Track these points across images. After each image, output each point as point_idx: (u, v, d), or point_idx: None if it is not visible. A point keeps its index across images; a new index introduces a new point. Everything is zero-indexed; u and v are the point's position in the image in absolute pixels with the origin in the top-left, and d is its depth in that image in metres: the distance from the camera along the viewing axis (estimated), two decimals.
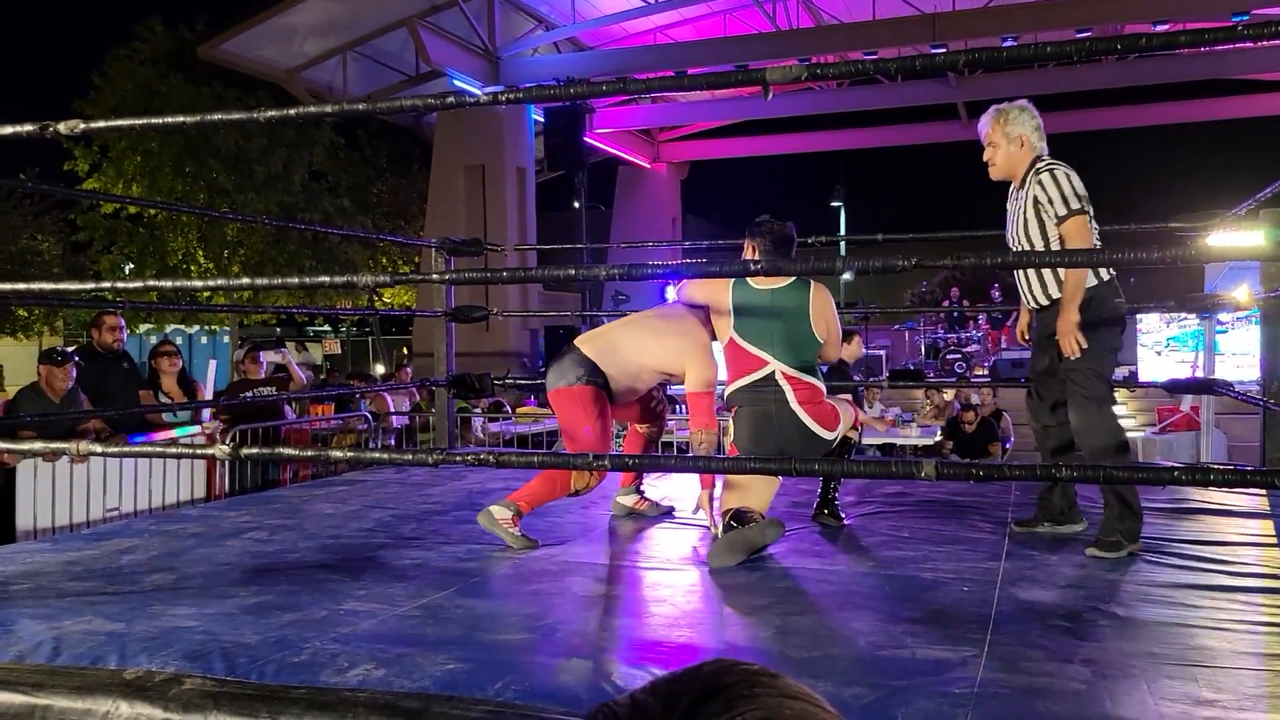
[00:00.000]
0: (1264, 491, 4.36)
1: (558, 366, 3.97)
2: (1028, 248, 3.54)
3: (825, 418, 3.75)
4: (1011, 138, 3.58)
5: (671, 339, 3.91)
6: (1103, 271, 3.49)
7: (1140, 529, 3.39)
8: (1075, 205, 3.41)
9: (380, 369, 13.08)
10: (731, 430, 3.83)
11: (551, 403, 4.00)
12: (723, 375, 3.95)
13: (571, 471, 3.73)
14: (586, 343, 4.00)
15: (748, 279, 3.78)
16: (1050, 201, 3.44)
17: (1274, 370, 4.60)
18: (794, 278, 3.76)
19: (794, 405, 3.70)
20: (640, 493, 4.29)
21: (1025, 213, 3.54)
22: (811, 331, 3.76)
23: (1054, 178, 3.45)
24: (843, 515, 4.00)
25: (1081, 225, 3.42)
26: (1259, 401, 4.53)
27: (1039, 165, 3.53)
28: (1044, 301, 3.63)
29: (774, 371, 3.72)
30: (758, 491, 3.59)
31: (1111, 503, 3.38)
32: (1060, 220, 3.42)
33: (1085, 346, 3.39)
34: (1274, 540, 3.65)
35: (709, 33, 16.70)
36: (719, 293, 3.81)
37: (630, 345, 3.95)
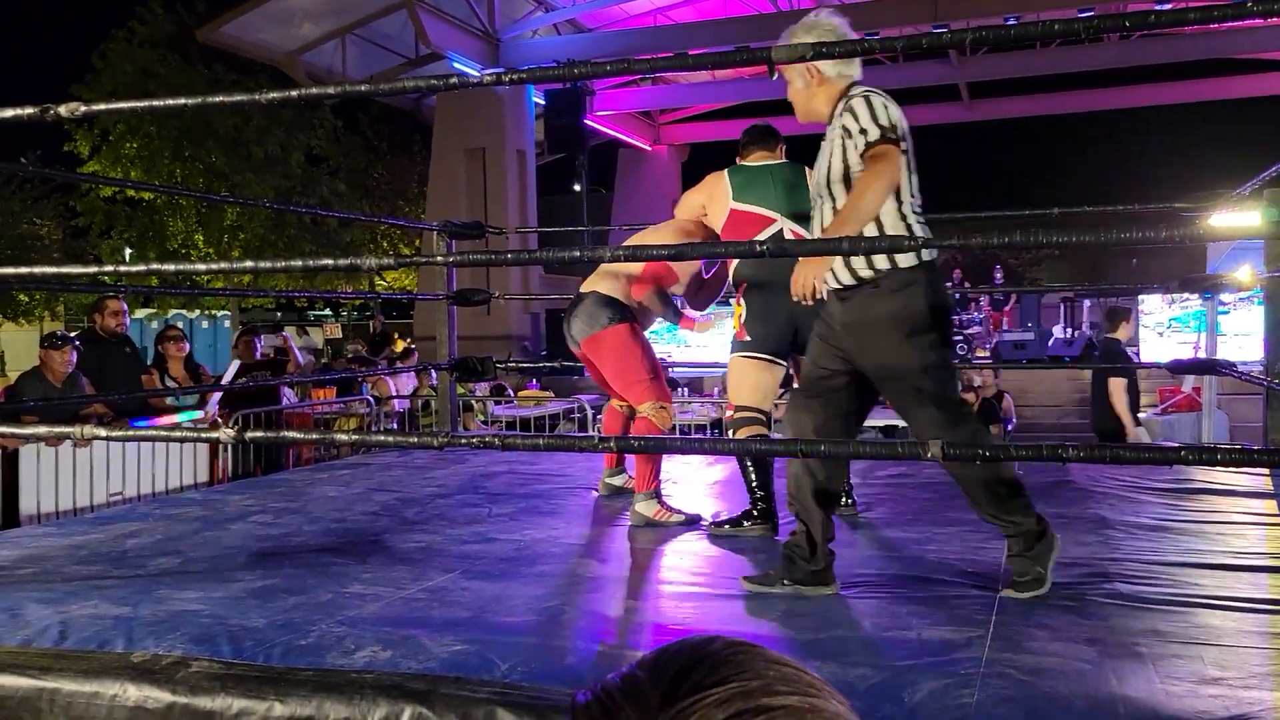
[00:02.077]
0: (1267, 471, 4.35)
1: (582, 315, 3.91)
2: (832, 198, 2.81)
3: None
4: (800, 69, 2.87)
5: (663, 230, 4.05)
6: (925, 252, 2.70)
7: (1053, 554, 2.73)
8: (887, 128, 2.69)
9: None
10: (742, 310, 3.69)
11: (588, 353, 3.95)
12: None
13: (657, 424, 3.80)
14: (596, 283, 3.98)
15: (741, 161, 3.86)
16: (862, 131, 2.70)
17: (1277, 350, 4.59)
18: (786, 159, 3.88)
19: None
20: (627, 472, 4.30)
21: (831, 153, 2.81)
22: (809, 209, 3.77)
23: (868, 103, 2.73)
24: (853, 500, 3.90)
25: (892, 153, 2.65)
26: (1262, 381, 4.52)
27: (852, 92, 2.81)
28: (847, 280, 2.77)
29: (782, 229, 3.67)
30: (761, 389, 3.64)
31: (1013, 538, 2.75)
32: (867, 148, 2.68)
33: (917, 353, 2.68)
34: (1277, 519, 3.65)
35: (710, 14, 16.62)
36: (714, 185, 3.83)
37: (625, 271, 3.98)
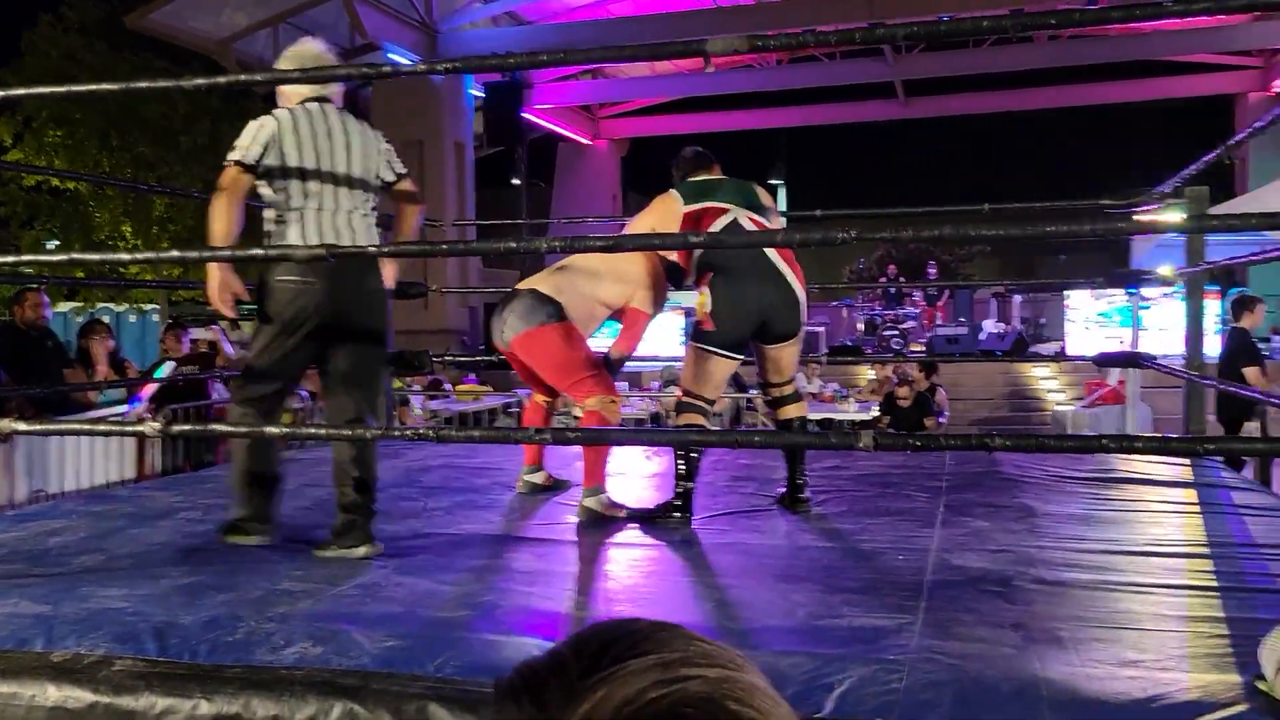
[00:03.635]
0: (1187, 460, 4.49)
1: (516, 310, 3.81)
2: None
3: (800, 278, 3.66)
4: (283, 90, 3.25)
5: (627, 265, 3.89)
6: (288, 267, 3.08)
7: (354, 552, 3.08)
8: (234, 153, 3.07)
9: None
10: (707, 302, 3.61)
11: (520, 351, 3.85)
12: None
13: (608, 417, 3.76)
14: (539, 283, 3.90)
15: (691, 179, 3.84)
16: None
17: (1196, 344, 4.73)
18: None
19: (771, 253, 3.58)
20: (546, 470, 4.29)
21: None
22: (764, 205, 3.74)
23: (249, 125, 3.11)
24: (808, 498, 3.79)
25: (224, 177, 3.06)
26: (1182, 374, 4.66)
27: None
28: None
29: (736, 218, 3.64)
30: (712, 381, 3.66)
31: (344, 498, 3.15)
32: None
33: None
34: (1196, 507, 3.76)
35: (649, 8, 16.63)
36: (663, 206, 3.77)
37: (584, 278, 3.89)
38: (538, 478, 4.24)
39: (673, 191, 3.82)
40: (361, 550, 3.09)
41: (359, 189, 3.19)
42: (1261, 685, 1.92)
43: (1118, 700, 1.91)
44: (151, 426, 2.51)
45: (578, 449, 3.89)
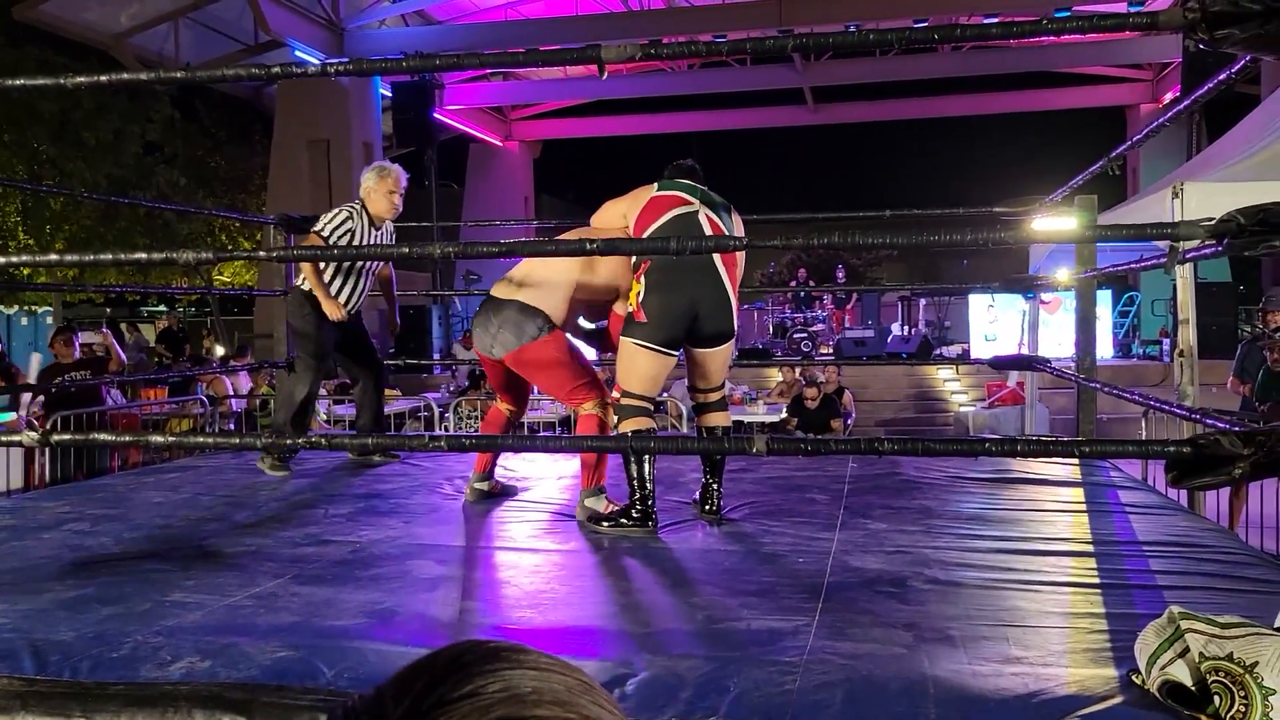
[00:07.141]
0: (1076, 461, 4.64)
1: (505, 324, 3.71)
2: None
3: (735, 286, 3.62)
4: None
5: (590, 233, 3.76)
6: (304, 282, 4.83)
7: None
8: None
9: (220, 350, 12.57)
10: (641, 291, 3.54)
11: (514, 365, 3.78)
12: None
13: (605, 420, 3.69)
14: (517, 291, 3.77)
15: (674, 179, 3.76)
16: None
17: (1086, 347, 4.90)
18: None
19: (714, 257, 3.52)
20: (494, 479, 4.21)
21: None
22: (732, 225, 3.70)
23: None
24: (718, 509, 3.72)
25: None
26: (1072, 377, 4.82)
27: None
28: None
29: (698, 211, 3.61)
30: (650, 378, 3.59)
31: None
32: None
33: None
34: (1083, 507, 3.89)
35: (561, 10, 16.60)
36: (639, 192, 3.72)
37: (552, 265, 3.78)
38: (485, 485, 4.16)
39: (653, 184, 3.76)
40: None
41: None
42: (1136, 679, 1.99)
43: (1000, 696, 1.97)
44: (29, 435, 2.41)
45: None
